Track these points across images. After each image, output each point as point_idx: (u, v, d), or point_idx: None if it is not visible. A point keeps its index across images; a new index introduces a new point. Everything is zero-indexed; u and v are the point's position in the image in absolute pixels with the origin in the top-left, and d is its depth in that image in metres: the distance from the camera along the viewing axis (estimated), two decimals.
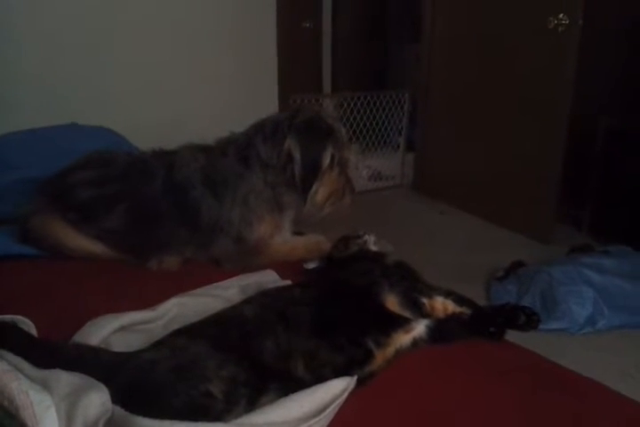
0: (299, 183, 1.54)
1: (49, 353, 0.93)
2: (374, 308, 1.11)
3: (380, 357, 1.02)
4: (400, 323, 1.08)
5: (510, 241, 2.94)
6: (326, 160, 1.53)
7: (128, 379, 0.88)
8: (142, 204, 1.56)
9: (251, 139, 1.57)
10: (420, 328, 1.08)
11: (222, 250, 1.55)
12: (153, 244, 1.55)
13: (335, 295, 1.13)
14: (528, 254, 2.61)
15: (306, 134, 1.53)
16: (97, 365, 0.90)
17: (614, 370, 1.81)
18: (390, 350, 1.04)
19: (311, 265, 1.39)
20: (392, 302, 1.13)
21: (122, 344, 1.05)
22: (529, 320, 1.14)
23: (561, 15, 2.67)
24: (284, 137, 1.52)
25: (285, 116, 1.57)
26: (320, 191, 1.55)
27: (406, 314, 1.12)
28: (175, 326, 1.06)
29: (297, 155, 1.52)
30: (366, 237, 1.38)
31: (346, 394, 0.91)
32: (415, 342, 1.08)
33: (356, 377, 0.94)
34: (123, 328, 1.10)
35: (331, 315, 1.06)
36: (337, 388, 0.90)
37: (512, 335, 1.18)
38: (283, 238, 1.62)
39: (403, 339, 1.06)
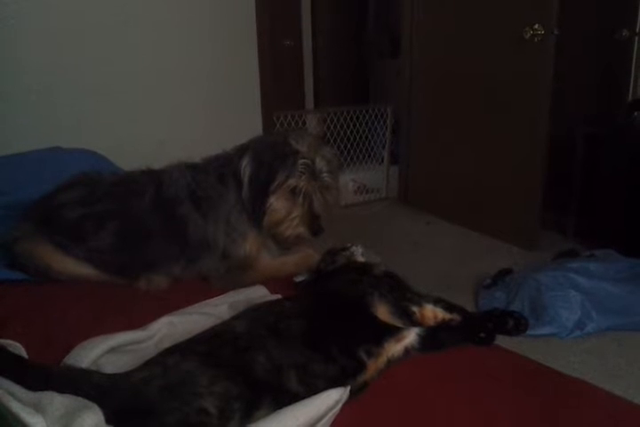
0: (247, 205, 1.53)
1: (40, 376, 0.92)
2: (365, 318, 1.11)
3: (372, 366, 1.03)
4: (391, 332, 1.09)
5: (497, 249, 2.97)
6: (274, 183, 1.49)
7: (121, 399, 0.88)
8: (131, 221, 1.56)
9: (230, 157, 1.59)
10: (411, 337, 1.09)
11: (210, 267, 1.55)
12: (142, 262, 1.54)
13: (325, 307, 1.14)
14: (515, 261, 2.64)
15: (261, 155, 1.52)
16: (89, 386, 0.90)
17: (604, 372, 1.82)
18: (382, 360, 1.04)
19: (300, 278, 1.39)
20: (383, 312, 1.14)
21: (113, 365, 1.04)
22: (517, 324, 1.15)
23: (536, 26, 2.72)
24: (243, 155, 1.54)
25: (260, 138, 1.59)
26: (267, 215, 1.53)
27: (397, 323, 1.13)
28: (166, 346, 1.05)
29: (246, 175, 1.52)
30: (353, 248, 1.39)
31: (340, 405, 0.91)
32: (407, 351, 1.08)
33: (349, 388, 0.94)
34: (113, 349, 1.10)
35: (321, 326, 1.06)
36: (331, 399, 0.90)
37: (502, 342, 1.19)
38: (271, 254, 1.63)
39: (394, 348, 1.07)
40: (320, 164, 1.52)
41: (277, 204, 1.52)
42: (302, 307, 1.14)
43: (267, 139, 1.62)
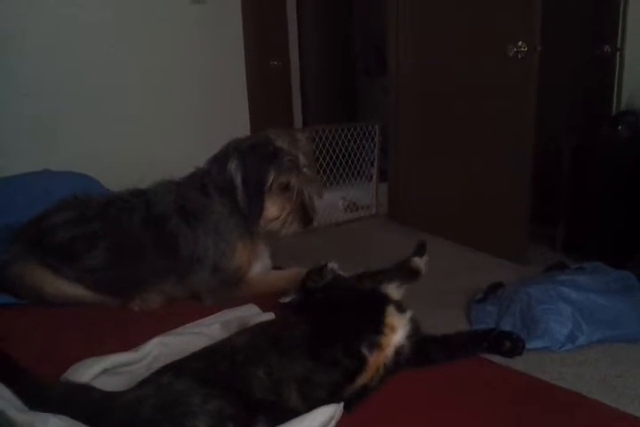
0: (243, 207, 1.56)
1: (39, 390, 0.92)
2: (366, 307, 1.14)
3: (373, 364, 1.03)
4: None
5: (487, 264, 2.98)
6: (268, 183, 1.53)
7: (114, 419, 0.88)
8: (122, 239, 1.57)
9: (207, 168, 1.62)
10: (401, 334, 1.11)
11: (201, 282, 1.56)
12: (134, 279, 1.54)
13: (326, 311, 1.15)
14: (505, 275, 2.64)
15: (248, 157, 1.54)
16: (85, 403, 0.89)
17: (596, 384, 1.83)
18: (383, 355, 1.05)
19: (286, 299, 1.37)
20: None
21: (105, 387, 1.03)
22: (514, 347, 1.15)
23: (519, 43, 2.77)
24: (227, 160, 1.56)
25: (237, 140, 1.61)
26: (264, 213, 1.56)
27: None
28: (158, 367, 1.05)
29: (238, 178, 1.54)
30: (330, 264, 1.37)
31: (334, 422, 0.91)
32: (398, 353, 1.09)
33: (342, 404, 0.94)
34: (106, 371, 1.10)
35: (325, 327, 1.07)
36: (324, 415, 0.90)
37: (495, 356, 1.19)
38: (263, 264, 1.64)
39: (391, 339, 1.08)
40: (302, 158, 1.57)
41: (272, 201, 1.55)
42: (304, 317, 1.14)
43: (247, 141, 1.61)
